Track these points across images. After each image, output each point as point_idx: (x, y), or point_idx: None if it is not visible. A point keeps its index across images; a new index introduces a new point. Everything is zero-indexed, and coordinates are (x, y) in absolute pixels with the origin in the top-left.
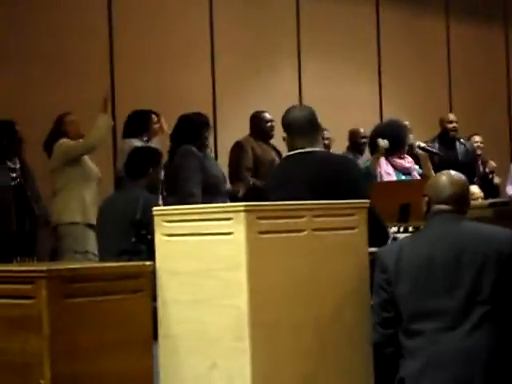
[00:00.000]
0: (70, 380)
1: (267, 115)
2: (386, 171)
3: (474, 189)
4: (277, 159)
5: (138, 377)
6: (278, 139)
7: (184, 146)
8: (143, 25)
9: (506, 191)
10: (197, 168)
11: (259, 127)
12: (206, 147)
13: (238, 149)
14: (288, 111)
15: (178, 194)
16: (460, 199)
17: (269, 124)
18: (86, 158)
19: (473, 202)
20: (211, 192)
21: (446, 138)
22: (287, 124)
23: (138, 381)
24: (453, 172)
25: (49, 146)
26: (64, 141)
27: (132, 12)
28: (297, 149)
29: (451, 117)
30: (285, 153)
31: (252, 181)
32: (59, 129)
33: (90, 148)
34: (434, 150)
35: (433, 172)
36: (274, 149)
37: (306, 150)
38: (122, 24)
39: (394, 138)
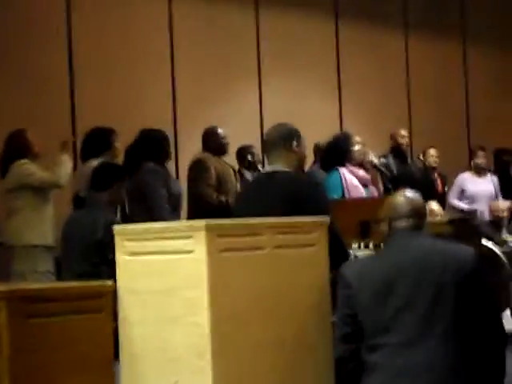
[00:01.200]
0: None
1: (221, 131)
2: (353, 184)
3: (434, 206)
4: (233, 176)
5: None
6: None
7: (146, 163)
8: (103, 41)
9: (450, 201)
10: (162, 185)
11: (213, 143)
12: (167, 163)
13: (199, 166)
14: (268, 129)
15: (149, 209)
16: (417, 214)
17: (223, 140)
18: (44, 173)
19: (432, 219)
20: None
21: (398, 152)
22: (264, 141)
23: None
24: (407, 191)
25: (5, 165)
26: (25, 163)
27: (91, 29)
28: (267, 166)
29: (403, 132)
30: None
31: (220, 198)
32: (19, 146)
33: (57, 186)
34: (384, 170)
35: (381, 188)
36: (228, 165)
37: (269, 171)
38: (81, 40)
39: (337, 149)
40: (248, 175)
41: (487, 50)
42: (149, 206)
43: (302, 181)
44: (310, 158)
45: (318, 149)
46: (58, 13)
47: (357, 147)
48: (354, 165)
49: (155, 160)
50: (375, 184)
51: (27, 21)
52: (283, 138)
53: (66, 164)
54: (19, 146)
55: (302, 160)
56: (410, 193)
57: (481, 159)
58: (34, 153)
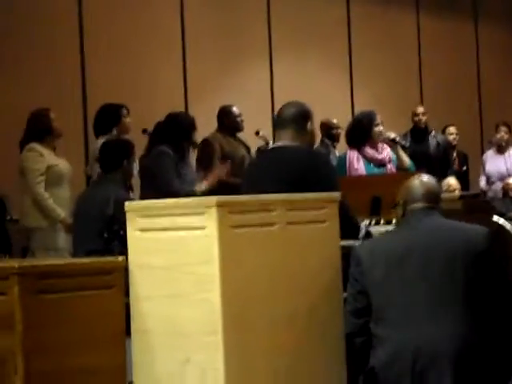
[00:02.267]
0: (43, 376)
1: (235, 109)
2: (354, 167)
3: (451, 180)
4: (246, 155)
5: (111, 372)
6: (249, 134)
7: (159, 146)
8: (113, 20)
9: (479, 183)
10: (173, 168)
11: (228, 122)
12: (189, 151)
13: (204, 146)
14: (282, 106)
15: (157, 190)
16: (432, 197)
17: (238, 119)
18: (57, 159)
19: (444, 195)
20: None
21: (416, 131)
22: (277, 119)
23: (111, 376)
24: (422, 174)
25: (23, 145)
26: (27, 153)
27: (103, 10)
28: (275, 143)
29: (419, 109)
30: (254, 147)
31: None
32: (40, 126)
33: (36, 200)
34: (402, 142)
35: (407, 161)
36: (243, 144)
37: (276, 146)
38: (92, 23)
39: (359, 128)
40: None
41: (499, 28)
42: (158, 185)
43: (312, 156)
44: (318, 136)
45: (322, 126)
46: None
47: (378, 128)
48: (372, 144)
49: (174, 144)
50: (398, 160)
51: (37, 2)
52: (297, 118)
53: (55, 212)
54: (39, 127)
55: (313, 140)
56: (424, 176)
57: (500, 134)
58: (57, 134)
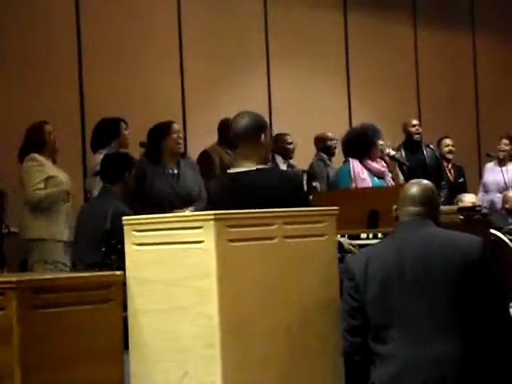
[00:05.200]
0: None
1: None
2: (361, 176)
3: (468, 197)
4: None
5: None
6: None
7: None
8: (112, 32)
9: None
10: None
11: (227, 134)
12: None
13: (204, 158)
14: (233, 119)
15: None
16: (427, 202)
17: None
18: (57, 171)
19: (442, 207)
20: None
21: (410, 142)
22: (230, 132)
23: None
24: (421, 179)
25: (22, 156)
26: (28, 163)
27: (100, 19)
28: (237, 164)
29: (414, 121)
30: None
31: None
32: (36, 139)
33: (39, 203)
34: (402, 160)
35: (401, 178)
36: None
37: (248, 170)
38: (90, 34)
39: (362, 140)
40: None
41: (496, 40)
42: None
43: (281, 180)
44: (310, 146)
45: (318, 140)
46: (66, 2)
47: (380, 142)
48: (372, 158)
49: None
50: (393, 176)
51: (34, 9)
52: (253, 130)
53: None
54: (36, 139)
55: (268, 152)
56: (422, 181)
57: (500, 147)
58: (51, 148)
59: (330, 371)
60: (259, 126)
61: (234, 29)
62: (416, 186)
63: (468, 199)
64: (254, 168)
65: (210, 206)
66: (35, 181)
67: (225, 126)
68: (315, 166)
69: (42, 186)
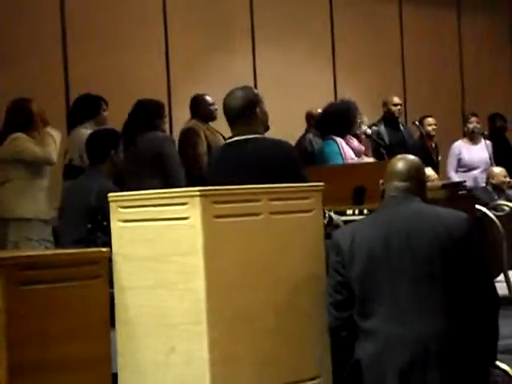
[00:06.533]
0: (28, 367)
1: (209, 98)
2: (351, 156)
3: (429, 171)
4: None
5: (97, 363)
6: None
7: (148, 132)
8: (95, 7)
9: (448, 174)
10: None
11: (203, 109)
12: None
13: (191, 134)
14: (227, 96)
15: (164, 178)
16: (414, 177)
17: (211, 107)
18: (37, 148)
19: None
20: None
21: (391, 120)
22: (225, 109)
23: (96, 366)
24: (408, 155)
25: (4, 135)
26: (19, 138)
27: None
28: (235, 135)
29: (396, 99)
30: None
31: None
32: (22, 116)
33: (49, 163)
34: (376, 139)
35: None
36: (219, 133)
37: (244, 138)
38: (73, 4)
39: (342, 117)
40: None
41: (481, 18)
42: (166, 171)
43: (277, 148)
44: (302, 126)
45: (311, 116)
46: None
47: (359, 120)
48: (351, 135)
49: (153, 130)
50: (367, 153)
51: None
52: (247, 106)
53: (55, 138)
54: (21, 117)
55: (265, 125)
56: (409, 156)
57: (473, 124)
58: (36, 125)
59: (316, 347)
60: (253, 99)
61: (220, 11)
62: (403, 161)
63: (428, 173)
64: (251, 136)
65: (208, 175)
66: (34, 147)
67: (197, 102)
68: (310, 140)
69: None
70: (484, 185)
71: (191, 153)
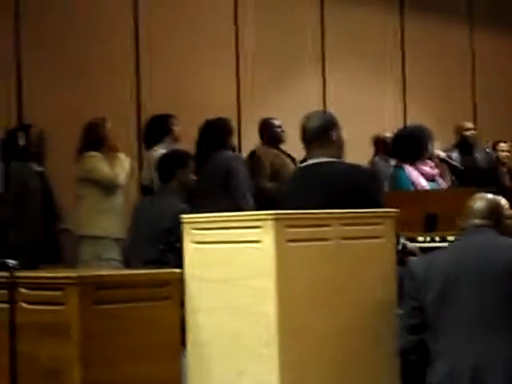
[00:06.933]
0: None
1: (276, 121)
2: (421, 183)
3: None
4: (292, 165)
5: (167, 383)
6: (293, 147)
7: (221, 151)
8: (169, 30)
9: None
10: (247, 174)
11: (269, 134)
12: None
13: (252, 158)
14: (304, 118)
15: (232, 198)
16: (493, 214)
17: (278, 129)
18: (105, 169)
19: None
20: None
21: (464, 145)
22: (302, 132)
23: None
24: (486, 194)
25: (82, 152)
26: (91, 157)
27: (158, 21)
28: (310, 158)
29: (469, 125)
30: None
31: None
32: (95, 136)
33: (114, 184)
34: (454, 163)
35: (448, 181)
36: (289, 155)
37: (321, 161)
38: (148, 24)
39: (415, 143)
40: None
41: None
42: (232, 191)
43: (355, 171)
44: (369, 150)
45: (379, 141)
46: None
47: (433, 145)
48: (422, 161)
49: (223, 148)
50: (443, 177)
51: (95, 9)
52: (324, 129)
53: (123, 162)
54: (94, 137)
55: (342, 150)
56: (488, 195)
57: None
58: (109, 145)
59: (385, 373)
60: (330, 123)
61: (290, 29)
62: (480, 200)
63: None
64: (327, 160)
65: (281, 197)
66: (103, 167)
67: (264, 126)
68: (378, 164)
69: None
70: None
71: (255, 177)
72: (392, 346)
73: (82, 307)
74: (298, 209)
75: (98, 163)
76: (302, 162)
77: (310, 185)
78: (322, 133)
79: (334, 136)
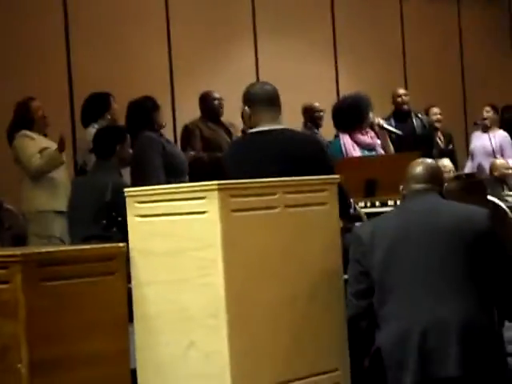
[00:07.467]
0: (47, 363)
1: (215, 94)
2: (352, 153)
3: (445, 162)
4: (228, 140)
5: (115, 358)
6: (235, 118)
7: (145, 132)
8: (98, 5)
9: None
10: (158, 153)
11: (207, 107)
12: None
13: (185, 133)
14: (253, 85)
15: (143, 178)
16: (434, 179)
17: (216, 102)
18: (50, 143)
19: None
20: (176, 173)
21: (399, 113)
22: (252, 98)
23: (114, 362)
24: (425, 158)
25: (12, 135)
26: (23, 137)
27: None
28: (260, 124)
29: (401, 91)
30: (235, 135)
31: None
32: (24, 116)
33: (39, 175)
34: (394, 130)
35: (391, 148)
36: (226, 129)
37: (273, 128)
38: (77, 7)
39: (355, 112)
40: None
41: (481, 10)
42: (143, 174)
43: (305, 139)
44: (299, 120)
45: (307, 110)
46: None
47: (371, 113)
48: (361, 130)
49: (149, 128)
50: (384, 146)
51: None
52: (276, 96)
53: (57, 161)
54: (28, 116)
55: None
56: (426, 160)
57: (484, 114)
58: (39, 123)
59: (335, 339)
60: (277, 92)
61: (222, 6)
62: (420, 165)
63: (444, 163)
64: (278, 127)
65: (229, 165)
66: (30, 152)
67: (203, 99)
68: None
69: (38, 156)
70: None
71: (184, 149)
72: (340, 312)
73: (27, 285)
74: (248, 175)
75: (23, 146)
76: (243, 131)
77: (264, 152)
78: (274, 99)
79: (280, 105)
